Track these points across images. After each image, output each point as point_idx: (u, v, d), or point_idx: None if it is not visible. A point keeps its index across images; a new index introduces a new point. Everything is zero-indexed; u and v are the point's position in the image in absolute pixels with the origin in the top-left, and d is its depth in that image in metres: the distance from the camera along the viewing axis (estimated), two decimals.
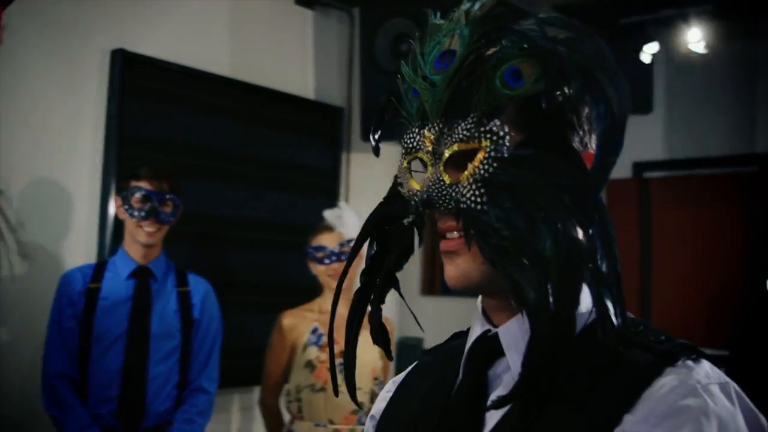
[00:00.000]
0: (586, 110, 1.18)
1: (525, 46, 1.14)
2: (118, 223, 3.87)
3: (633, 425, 1.06)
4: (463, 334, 1.39)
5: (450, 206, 1.16)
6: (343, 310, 4.00)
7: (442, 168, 1.17)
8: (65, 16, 4.04)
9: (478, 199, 1.14)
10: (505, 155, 1.14)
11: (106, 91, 4.18)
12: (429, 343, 5.91)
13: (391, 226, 1.29)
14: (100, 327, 3.42)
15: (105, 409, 3.40)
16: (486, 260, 1.14)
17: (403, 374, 1.46)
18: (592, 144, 1.20)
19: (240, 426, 4.73)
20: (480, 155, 1.15)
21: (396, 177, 1.30)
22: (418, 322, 1.42)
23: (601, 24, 6.71)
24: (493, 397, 1.19)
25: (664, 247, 6.52)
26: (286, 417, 3.89)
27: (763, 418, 1.11)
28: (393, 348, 3.67)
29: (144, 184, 3.45)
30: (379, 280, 1.30)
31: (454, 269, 1.19)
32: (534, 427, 1.12)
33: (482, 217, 1.13)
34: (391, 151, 5.83)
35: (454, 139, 1.16)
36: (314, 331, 3.80)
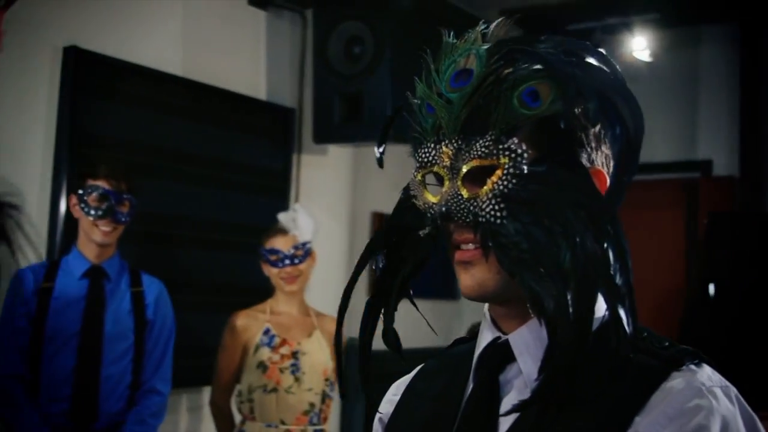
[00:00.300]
0: (594, 128, 1.24)
1: (542, 68, 1.19)
2: (69, 222, 3.85)
3: (643, 427, 1.12)
4: (464, 340, 1.46)
5: (468, 219, 1.21)
6: (293, 311, 3.98)
7: (459, 182, 1.22)
8: (18, 12, 4.00)
9: (498, 213, 1.19)
10: (525, 172, 1.19)
11: (58, 88, 4.15)
12: (376, 343, 5.94)
13: (404, 238, 1.33)
14: (53, 327, 3.40)
15: (57, 409, 3.39)
16: (504, 271, 1.20)
17: (407, 377, 1.49)
18: (599, 160, 1.25)
19: (188, 426, 4.73)
20: (499, 171, 1.19)
21: (406, 189, 1.34)
22: (431, 327, 1.46)
23: (549, 30, 6.79)
24: (506, 401, 1.25)
25: None
26: (237, 418, 3.90)
27: (759, 422, 1.17)
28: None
29: (102, 183, 3.44)
30: (395, 289, 1.35)
31: (470, 279, 1.24)
32: (547, 429, 1.17)
33: (501, 230, 1.18)
34: (340, 154, 5.86)
35: (472, 155, 1.21)
36: (266, 332, 3.82)
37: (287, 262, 3.81)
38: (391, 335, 1.37)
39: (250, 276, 4.54)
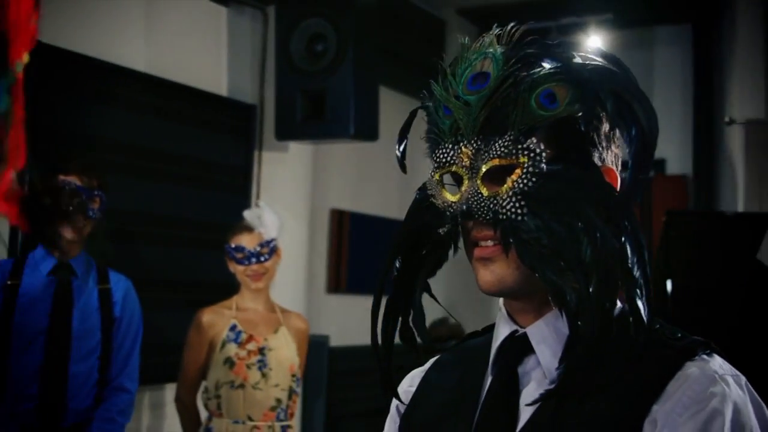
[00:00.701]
0: (605, 128, 1.29)
1: (560, 71, 1.24)
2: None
3: (661, 415, 1.18)
4: (477, 334, 1.50)
5: (488, 217, 1.25)
6: (259, 307, 3.99)
7: (479, 181, 1.26)
8: None
9: (519, 210, 1.23)
10: (544, 170, 1.23)
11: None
12: (335, 339, 5.98)
13: (423, 237, 1.37)
14: (20, 324, 3.37)
15: (24, 407, 3.36)
16: (523, 266, 1.24)
17: (421, 369, 1.52)
18: (609, 159, 1.30)
19: (150, 424, 4.71)
20: (519, 170, 1.24)
21: (422, 190, 1.37)
22: (453, 318, 1.50)
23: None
24: (525, 392, 1.31)
25: None
26: (203, 415, 3.90)
27: (766, 409, 1.23)
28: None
29: (73, 179, 3.41)
30: (417, 287, 1.39)
31: (489, 274, 1.28)
32: (567, 418, 1.23)
33: (522, 226, 1.22)
34: (300, 151, 5.86)
35: (492, 155, 1.24)
36: (233, 328, 3.82)
37: (253, 259, 3.81)
38: (409, 332, 1.41)
39: (212, 272, 4.55)
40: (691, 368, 1.21)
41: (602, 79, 1.23)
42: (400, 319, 1.40)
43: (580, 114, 1.24)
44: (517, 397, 1.31)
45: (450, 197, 1.31)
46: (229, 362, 3.76)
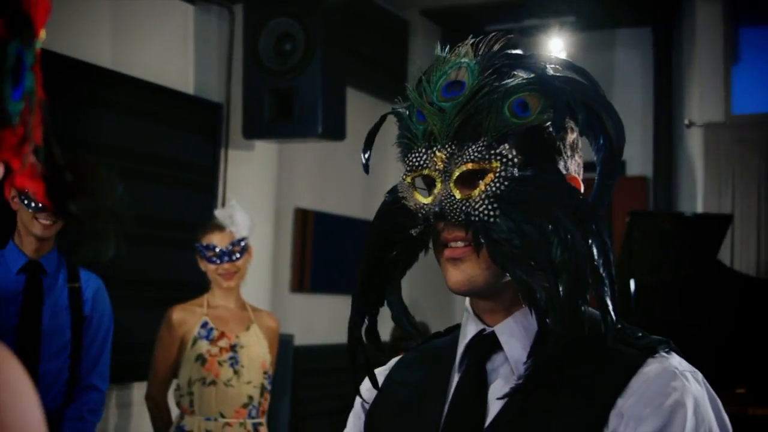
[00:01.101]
0: (570, 138, 1.36)
1: (533, 81, 1.31)
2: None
3: (626, 408, 1.25)
4: (440, 335, 1.56)
5: (461, 218, 1.31)
6: (230, 305, 3.99)
7: (452, 184, 1.32)
8: None
9: (491, 213, 1.29)
10: (515, 175, 1.29)
11: None
12: (300, 338, 5.99)
13: (395, 238, 1.41)
14: None
15: None
16: (495, 266, 1.30)
17: (385, 368, 1.57)
18: (572, 168, 1.37)
19: (117, 423, 4.69)
20: (491, 174, 1.30)
21: (393, 192, 1.43)
22: (410, 322, 1.52)
23: (466, 31, 6.90)
24: (493, 387, 1.37)
25: None
26: (175, 413, 3.89)
27: (720, 403, 1.30)
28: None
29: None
30: (387, 288, 1.44)
31: (460, 274, 1.33)
32: (535, 412, 1.30)
33: (494, 228, 1.28)
34: (266, 149, 5.86)
35: (465, 159, 1.30)
36: (204, 325, 3.82)
37: (225, 258, 3.81)
38: (375, 331, 1.46)
39: (180, 271, 4.53)
40: (653, 365, 1.28)
41: (573, 91, 1.30)
42: (367, 318, 1.44)
43: (549, 123, 1.30)
44: (485, 392, 1.37)
45: (422, 199, 1.36)
46: (201, 359, 3.75)
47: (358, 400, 1.55)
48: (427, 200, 1.35)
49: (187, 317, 3.84)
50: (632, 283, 4.71)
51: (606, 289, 1.27)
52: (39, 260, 3.49)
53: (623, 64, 7.14)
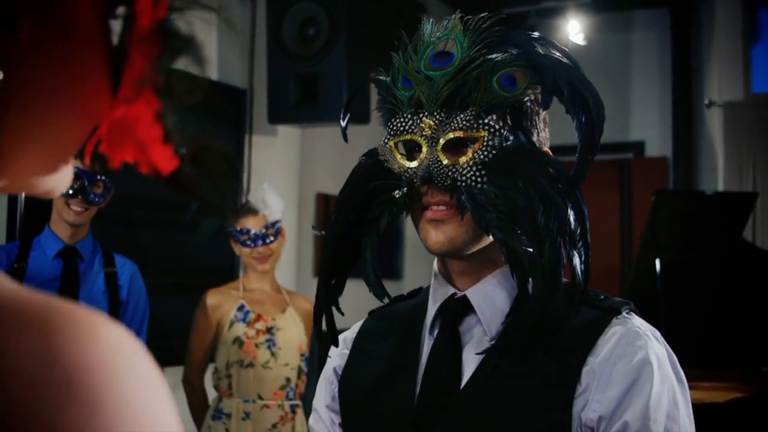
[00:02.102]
0: (542, 113, 1.44)
1: (522, 57, 1.38)
2: (30, 203, 3.81)
3: (597, 365, 1.34)
4: (402, 298, 1.62)
5: (447, 183, 1.37)
6: (266, 288, 4.01)
7: (439, 150, 1.37)
8: None
9: (479, 179, 1.36)
10: (502, 144, 1.37)
11: None
12: None
13: (373, 200, 1.46)
14: None
15: None
16: (475, 229, 1.38)
17: (351, 332, 1.61)
18: (543, 141, 1.45)
19: None
20: (479, 143, 1.37)
21: (371, 155, 1.48)
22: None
23: (483, 13, 6.91)
24: (467, 349, 1.44)
25: None
26: (212, 396, 3.92)
27: (676, 360, 1.40)
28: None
29: (75, 162, 3.39)
30: (366, 248, 1.48)
31: (441, 235, 1.39)
32: (510, 371, 1.37)
33: (481, 194, 1.35)
34: (289, 134, 5.87)
35: (454, 127, 1.37)
36: (241, 308, 3.85)
37: (259, 241, 3.83)
38: (337, 293, 1.51)
39: (211, 257, 4.55)
40: (617, 325, 1.38)
41: (559, 69, 1.37)
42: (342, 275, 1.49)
43: (530, 98, 1.40)
44: (460, 354, 1.44)
45: (407, 163, 1.41)
46: (238, 341, 3.78)
47: (329, 364, 1.59)
48: (413, 164, 1.40)
49: (222, 301, 3.86)
50: (657, 263, 4.72)
51: (581, 255, 1.35)
52: (75, 246, 3.50)
53: (641, 46, 7.14)
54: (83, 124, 0.66)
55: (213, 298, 3.87)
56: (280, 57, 5.03)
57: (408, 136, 1.40)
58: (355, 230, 1.47)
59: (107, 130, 0.67)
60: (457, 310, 1.45)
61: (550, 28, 6.69)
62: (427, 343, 1.48)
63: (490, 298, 1.42)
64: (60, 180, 0.68)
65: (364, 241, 1.47)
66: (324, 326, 1.50)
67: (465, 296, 1.44)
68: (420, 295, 1.58)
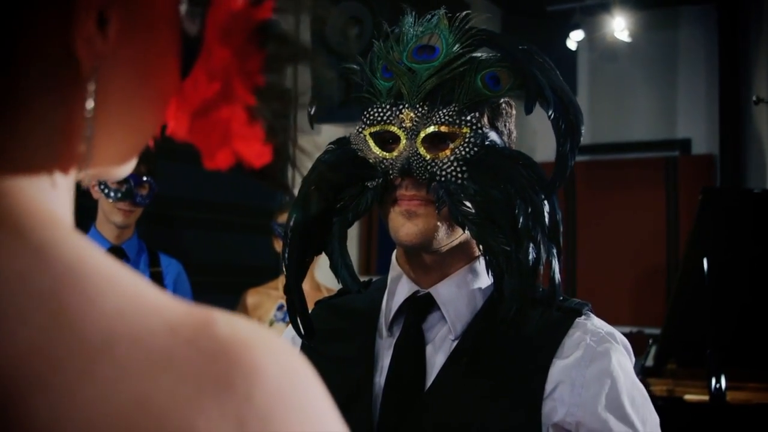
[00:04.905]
0: (514, 117, 1.46)
1: (506, 58, 1.39)
2: (77, 204, 3.83)
3: (562, 366, 1.35)
4: (347, 292, 1.57)
5: (425, 177, 1.37)
6: (306, 286, 4.06)
7: (418, 143, 1.37)
8: None
9: (460, 175, 1.36)
10: (484, 142, 1.37)
11: None
12: None
13: (344, 188, 1.44)
14: None
15: None
16: (449, 225, 1.38)
17: (292, 330, 1.55)
18: (512, 143, 1.47)
19: None
20: (460, 139, 1.37)
21: (341, 143, 1.47)
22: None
23: (529, 11, 6.87)
24: (430, 347, 1.42)
25: (588, 230, 6.73)
26: None
27: (632, 355, 1.43)
28: None
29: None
30: (338, 236, 1.47)
31: (413, 226, 1.39)
32: (477, 371, 1.36)
33: (461, 189, 1.35)
34: (333, 133, 5.90)
35: (436, 121, 1.37)
36: (281, 307, 3.85)
37: None
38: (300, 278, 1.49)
39: (254, 256, 4.56)
40: (579, 326, 1.40)
41: (543, 75, 1.37)
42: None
43: (504, 100, 1.43)
44: (423, 352, 1.42)
45: (383, 154, 1.39)
46: None
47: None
48: (390, 155, 1.39)
49: (262, 300, 3.87)
50: (705, 262, 4.65)
51: (554, 256, 1.35)
52: (121, 246, 3.54)
53: (687, 42, 7.05)
54: (160, 111, 0.67)
55: (253, 297, 3.88)
56: (323, 56, 5.04)
57: (385, 127, 1.39)
58: (320, 220, 1.45)
59: (196, 126, 0.68)
60: (420, 308, 1.44)
61: (595, 25, 6.63)
62: (385, 341, 1.47)
63: (456, 296, 1.42)
64: (131, 166, 0.69)
65: (333, 230, 1.46)
66: (296, 320, 1.48)
67: (429, 294, 1.43)
68: (371, 289, 1.57)
